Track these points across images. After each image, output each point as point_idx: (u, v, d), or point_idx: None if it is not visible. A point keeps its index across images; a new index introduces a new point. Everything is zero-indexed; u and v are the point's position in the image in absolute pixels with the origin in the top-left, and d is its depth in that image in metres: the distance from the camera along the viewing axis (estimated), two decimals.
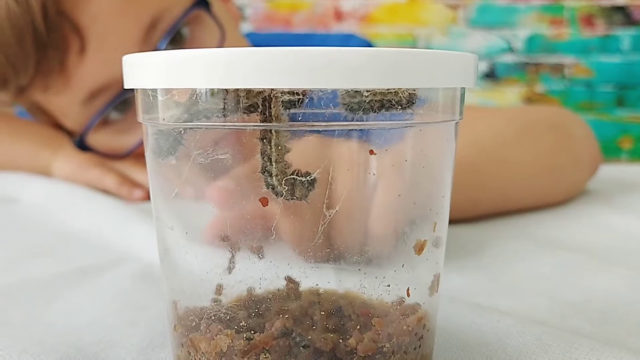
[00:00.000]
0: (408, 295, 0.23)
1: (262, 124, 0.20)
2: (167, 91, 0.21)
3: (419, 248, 0.22)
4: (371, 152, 0.21)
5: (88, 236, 0.49)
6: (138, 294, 0.37)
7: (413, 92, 0.22)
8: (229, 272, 0.26)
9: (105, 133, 0.62)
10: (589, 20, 1.61)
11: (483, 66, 1.66)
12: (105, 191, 0.62)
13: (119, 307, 0.35)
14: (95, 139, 0.62)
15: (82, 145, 0.62)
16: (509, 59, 1.65)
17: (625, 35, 1.60)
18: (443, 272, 0.25)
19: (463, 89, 0.23)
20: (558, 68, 1.63)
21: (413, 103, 0.22)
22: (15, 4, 0.52)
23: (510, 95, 1.66)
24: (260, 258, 0.25)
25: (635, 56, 1.60)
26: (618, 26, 1.60)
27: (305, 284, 0.26)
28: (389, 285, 0.22)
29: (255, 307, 0.25)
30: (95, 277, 0.40)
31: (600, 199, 0.64)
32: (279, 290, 0.27)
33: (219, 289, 0.26)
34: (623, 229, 0.53)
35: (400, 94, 0.21)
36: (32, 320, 0.34)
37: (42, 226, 0.52)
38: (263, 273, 0.25)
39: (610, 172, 0.80)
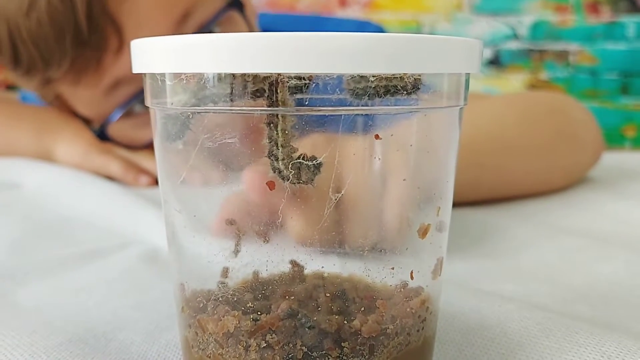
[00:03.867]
0: (412, 278, 0.23)
1: (268, 108, 0.20)
2: (176, 76, 0.22)
3: (423, 232, 0.23)
4: (376, 136, 0.21)
5: (94, 220, 0.49)
6: (144, 276, 0.38)
7: (418, 77, 0.22)
8: (235, 256, 0.26)
9: (127, 124, 0.62)
10: (594, 7, 1.60)
11: (487, 53, 1.65)
12: (111, 177, 0.63)
13: (126, 289, 0.36)
14: (116, 129, 0.62)
15: (102, 135, 0.62)
16: (513, 45, 1.64)
17: (630, 22, 1.59)
18: (446, 257, 0.26)
19: (468, 75, 0.23)
20: (563, 55, 1.62)
21: (418, 88, 0.22)
22: None
23: (514, 82, 1.65)
24: (266, 241, 0.25)
25: None
26: (623, 13, 1.59)
27: (310, 268, 0.27)
28: (392, 269, 0.23)
29: (261, 289, 0.25)
30: (102, 259, 0.41)
31: (604, 186, 0.64)
32: (284, 273, 0.27)
33: (225, 272, 0.26)
34: (626, 215, 0.53)
35: (405, 80, 0.22)
36: (40, 302, 0.34)
37: (48, 210, 0.52)
38: (269, 256, 0.26)
39: (614, 159, 0.80)
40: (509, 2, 1.62)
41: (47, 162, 0.66)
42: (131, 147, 0.64)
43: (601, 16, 1.60)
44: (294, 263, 0.28)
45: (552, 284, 0.37)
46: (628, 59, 1.60)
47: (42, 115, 0.69)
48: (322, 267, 0.24)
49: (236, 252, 0.26)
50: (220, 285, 0.26)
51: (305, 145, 0.21)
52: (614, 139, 1.63)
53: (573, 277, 0.39)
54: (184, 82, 0.21)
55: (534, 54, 1.64)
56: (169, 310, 0.32)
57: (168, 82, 0.22)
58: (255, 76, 0.21)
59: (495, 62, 1.67)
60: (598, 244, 0.45)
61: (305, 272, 0.27)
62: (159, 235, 0.43)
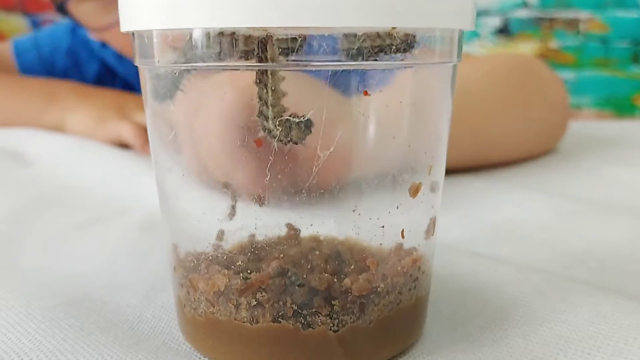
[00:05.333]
0: (402, 237, 0.23)
1: (258, 64, 0.20)
2: (163, 34, 0.21)
3: (414, 190, 0.23)
4: (365, 93, 0.21)
5: (94, 188, 0.49)
6: (142, 241, 0.38)
7: (412, 35, 0.21)
8: (230, 219, 0.26)
9: (88, 6, 0.64)
10: None
11: (496, 21, 1.63)
12: (123, 144, 0.62)
13: (124, 254, 0.36)
14: (78, 10, 0.64)
15: (61, 9, 0.64)
16: (523, 14, 1.62)
17: None
18: (443, 221, 0.25)
19: (461, 32, 0.23)
20: (573, 23, 1.60)
21: (412, 47, 0.22)
22: None
23: (524, 51, 1.63)
24: (262, 205, 0.25)
25: None
26: None
27: (305, 231, 0.26)
28: (383, 227, 0.23)
29: (255, 252, 0.25)
30: (101, 226, 0.41)
31: (606, 153, 0.63)
32: (279, 237, 0.27)
33: (220, 235, 0.26)
34: (628, 181, 0.53)
35: (398, 39, 0.21)
36: (39, 266, 0.34)
37: (49, 179, 0.52)
38: (264, 220, 0.25)
39: (620, 127, 0.79)
40: None
41: (54, 131, 0.66)
42: (91, 28, 0.65)
43: None
44: (289, 226, 0.28)
45: (551, 248, 0.37)
46: (639, 26, 1.57)
47: (51, 86, 0.69)
48: (311, 225, 0.24)
49: (231, 215, 0.26)
50: (214, 247, 0.26)
51: (293, 93, 0.21)
52: (624, 108, 1.61)
53: (572, 242, 0.39)
54: (170, 39, 0.21)
55: (543, 22, 1.62)
56: (165, 273, 0.32)
57: (155, 40, 0.22)
58: (246, 37, 0.21)
59: (505, 31, 1.64)
60: (599, 208, 0.45)
61: (301, 235, 0.27)
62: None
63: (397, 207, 0.23)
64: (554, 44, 1.62)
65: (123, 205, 0.45)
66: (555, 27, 1.61)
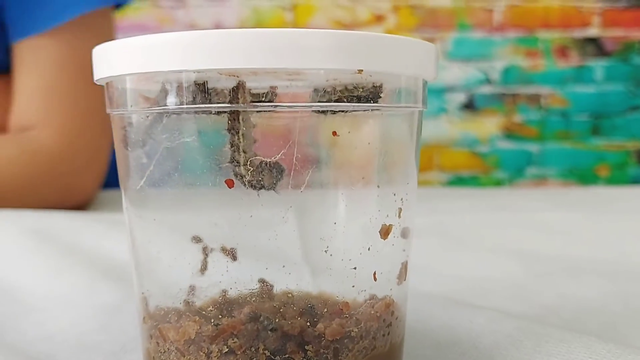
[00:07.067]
0: (375, 279, 0.23)
1: (228, 104, 0.21)
2: (135, 80, 0.22)
3: (384, 232, 0.23)
4: (334, 133, 0.21)
5: (60, 236, 0.48)
6: (111, 296, 0.37)
7: (379, 86, 0.22)
8: (202, 274, 0.26)
9: None
10: (563, 52, 1.64)
11: (462, 97, 1.68)
12: None
13: (92, 312, 0.35)
14: None
15: None
16: (486, 90, 1.68)
17: (598, 65, 1.64)
18: (415, 277, 0.25)
19: (425, 82, 0.24)
20: (535, 98, 1.66)
21: (379, 97, 0.23)
22: None
23: (489, 125, 1.68)
24: (234, 260, 0.25)
25: (608, 86, 1.64)
26: (591, 57, 1.64)
27: (279, 286, 0.26)
28: (355, 268, 0.23)
29: (228, 307, 0.25)
30: (67, 283, 0.40)
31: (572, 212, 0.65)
32: (252, 291, 0.27)
33: (191, 291, 0.26)
34: (592, 238, 0.54)
35: (368, 90, 0.22)
36: (3, 332, 0.33)
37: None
38: (237, 275, 0.25)
39: (584, 193, 0.81)
40: (481, 48, 1.66)
41: None
42: None
43: (570, 60, 1.65)
44: (262, 281, 0.27)
45: (524, 302, 0.37)
46: (597, 101, 1.64)
47: None
48: (283, 266, 0.24)
49: (202, 270, 0.26)
50: (185, 303, 0.25)
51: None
52: (588, 178, 1.65)
53: (544, 296, 0.39)
54: (144, 84, 0.22)
55: (507, 97, 1.68)
56: (135, 332, 0.32)
57: (128, 87, 0.22)
58: (218, 91, 0.21)
59: (470, 107, 1.70)
60: (567, 267, 0.45)
61: (274, 291, 0.27)
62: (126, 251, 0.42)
63: (369, 249, 0.23)
64: (517, 118, 1.68)
65: (87, 257, 0.44)
66: (518, 102, 1.67)
